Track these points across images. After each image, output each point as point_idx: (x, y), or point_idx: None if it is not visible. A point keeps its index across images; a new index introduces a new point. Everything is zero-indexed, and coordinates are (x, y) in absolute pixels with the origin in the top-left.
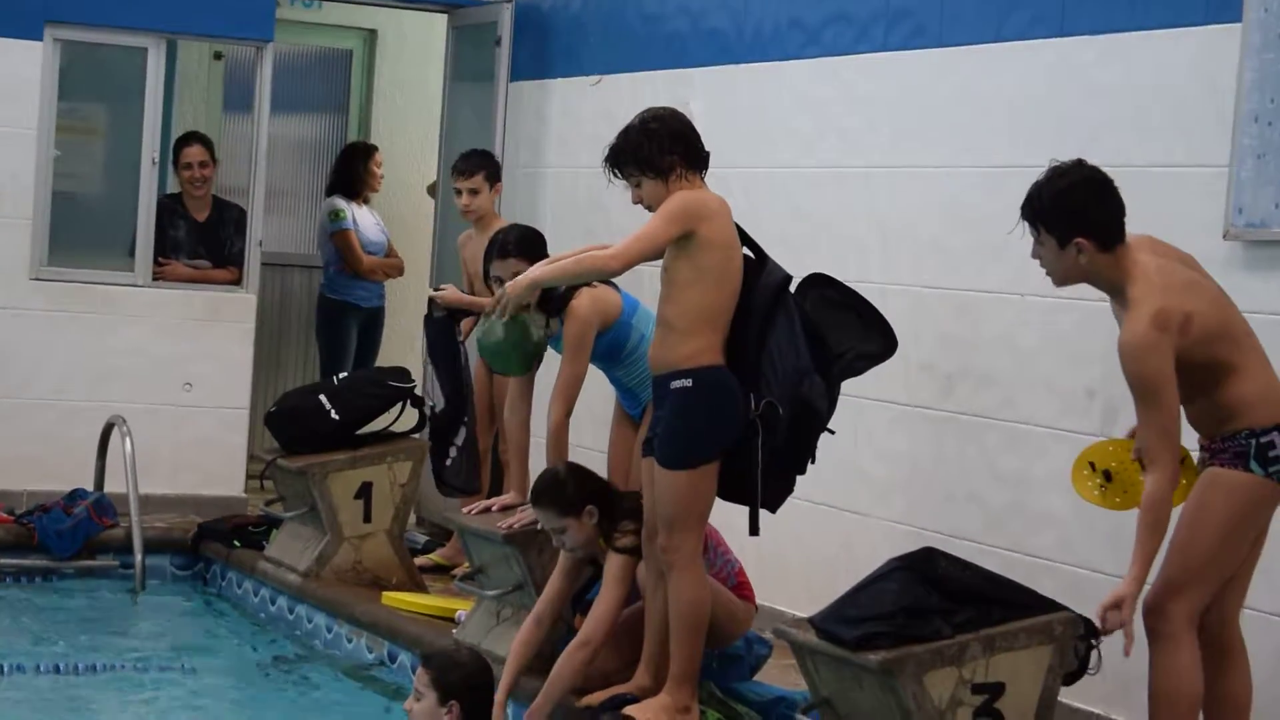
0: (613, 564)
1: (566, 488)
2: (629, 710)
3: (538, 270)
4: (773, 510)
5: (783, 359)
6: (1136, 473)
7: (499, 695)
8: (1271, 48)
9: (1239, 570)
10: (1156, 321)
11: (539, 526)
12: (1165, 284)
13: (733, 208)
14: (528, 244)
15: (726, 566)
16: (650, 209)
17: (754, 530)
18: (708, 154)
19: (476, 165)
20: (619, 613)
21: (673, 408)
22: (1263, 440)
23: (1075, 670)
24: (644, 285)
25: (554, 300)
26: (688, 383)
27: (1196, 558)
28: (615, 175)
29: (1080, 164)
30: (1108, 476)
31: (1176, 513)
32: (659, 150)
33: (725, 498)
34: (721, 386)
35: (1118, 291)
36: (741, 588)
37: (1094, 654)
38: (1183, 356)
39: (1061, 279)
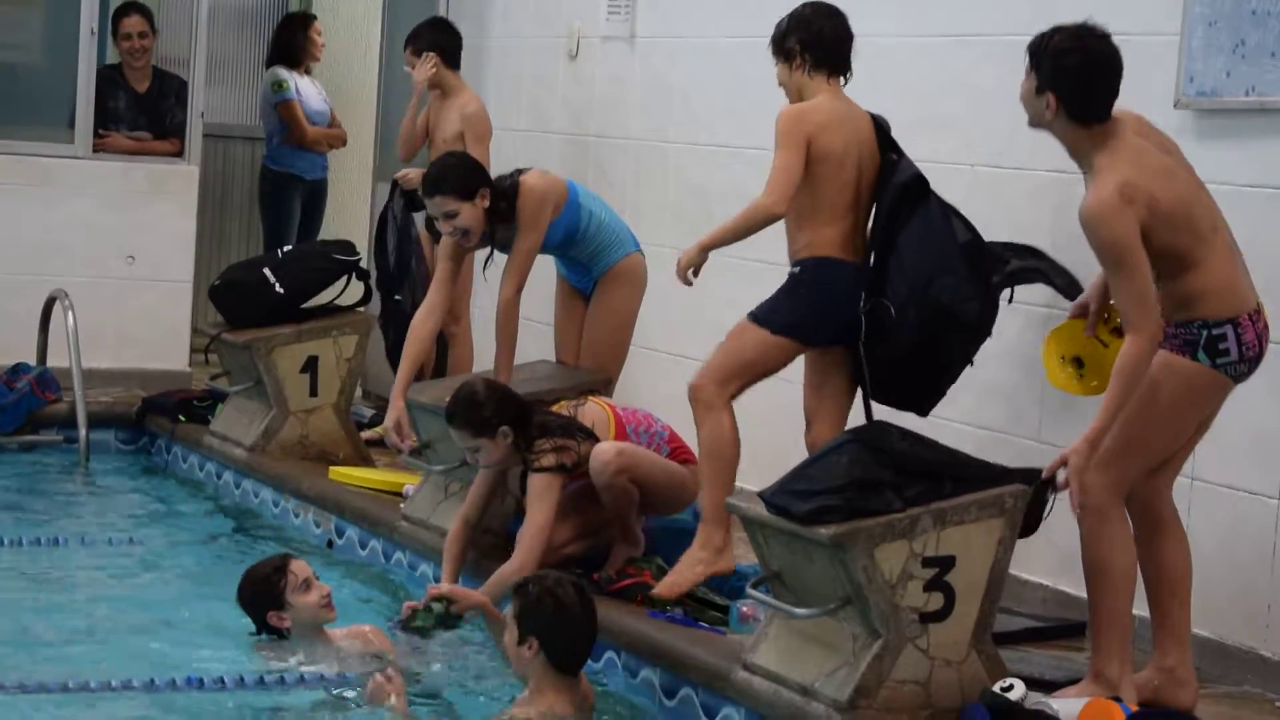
0: (534, 484)
1: (483, 409)
2: (661, 592)
3: (706, 236)
4: (921, 414)
5: (913, 259)
6: (1103, 352)
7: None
8: None
9: (1180, 449)
10: (1122, 192)
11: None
12: (1137, 162)
13: (679, 78)
14: (464, 177)
15: (656, 439)
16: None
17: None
18: (848, 65)
19: (427, 44)
20: (548, 531)
21: (784, 285)
22: (1214, 332)
23: (1029, 522)
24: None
25: (503, 206)
26: (796, 269)
27: (1133, 435)
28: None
29: (1099, 37)
30: (1079, 364)
31: None
32: (800, 40)
33: (875, 398)
34: (828, 277)
35: (1086, 162)
36: (677, 452)
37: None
38: (1146, 237)
39: (1031, 120)
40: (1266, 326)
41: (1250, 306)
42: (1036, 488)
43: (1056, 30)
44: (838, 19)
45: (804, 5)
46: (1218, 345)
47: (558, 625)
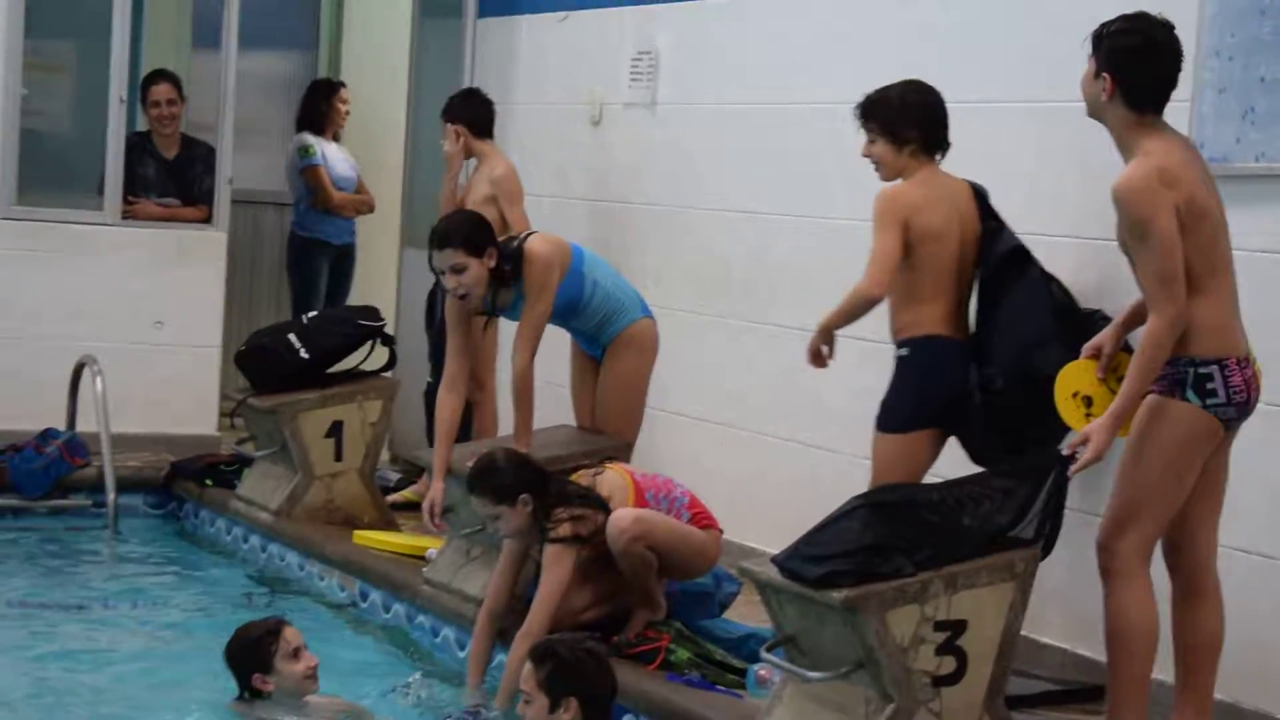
0: (549, 553)
1: (504, 476)
2: None
3: (824, 319)
4: None
5: (1013, 329)
6: (1110, 398)
7: (471, 688)
8: None
9: (1206, 510)
10: (1161, 175)
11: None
12: (1183, 161)
13: (700, 144)
14: (472, 233)
15: (675, 505)
16: (876, 167)
17: None
18: (948, 143)
19: (453, 116)
20: (559, 599)
21: (894, 374)
22: (1201, 371)
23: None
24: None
25: (507, 269)
26: (905, 352)
27: (1140, 490)
28: (860, 122)
29: (1161, 24)
30: (1088, 403)
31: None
32: (910, 122)
33: (975, 461)
34: (935, 356)
35: (1129, 149)
36: (698, 518)
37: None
38: None
39: (1089, 107)
40: (1256, 377)
41: (1240, 353)
42: (1056, 478)
43: (1119, 17)
44: (937, 96)
45: (908, 89)
46: (1204, 384)
47: (593, 680)
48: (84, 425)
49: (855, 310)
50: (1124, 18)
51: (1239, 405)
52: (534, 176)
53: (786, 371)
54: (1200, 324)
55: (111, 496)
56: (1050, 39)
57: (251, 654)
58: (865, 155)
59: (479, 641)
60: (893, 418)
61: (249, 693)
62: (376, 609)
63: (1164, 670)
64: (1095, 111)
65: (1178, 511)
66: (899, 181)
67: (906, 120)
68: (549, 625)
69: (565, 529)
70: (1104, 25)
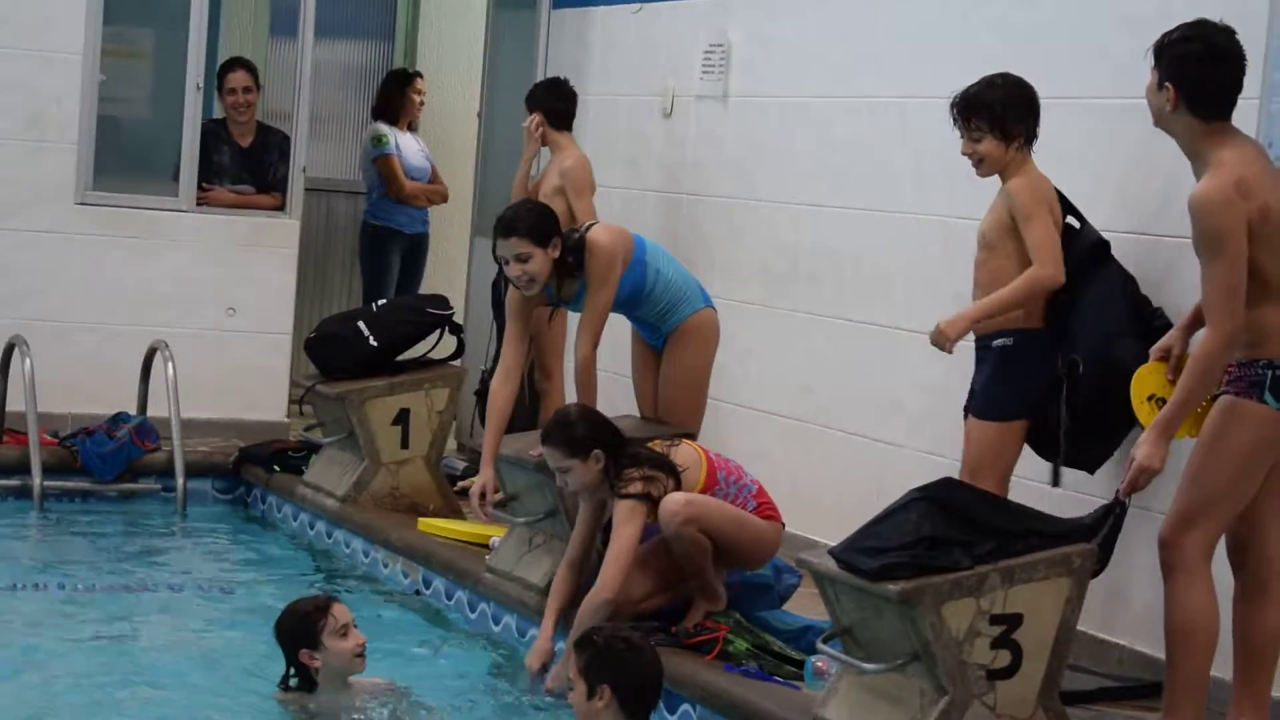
0: (620, 510)
1: (576, 429)
2: None
3: (974, 309)
4: (1090, 470)
5: (1095, 319)
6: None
7: (543, 639)
8: None
9: (1275, 509)
10: (1239, 186)
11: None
12: (1257, 167)
13: (770, 137)
14: (538, 223)
15: (744, 491)
16: (978, 164)
17: (1055, 483)
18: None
19: (534, 105)
20: (630, 556)
21: (994, 364)
22: (1279, 372)
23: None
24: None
25: (570, 260)
26: (1009, 341)
27: (1210, 490)
28: (962, 122)
29: (1222, 30)
30: (1162, 404)
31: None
32: (1018, 116)
33: (1038, 452)
34: (1039, 347)
35: (1200, 159)
36: (763, 508)
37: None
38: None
39: (1154, 118)
40: None
41: None
42: (1114, 516)
43: (1180, 25)
44: (1032, 89)
45: (1009, 84)
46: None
47: (628, 669)
48: (155, 410)
49: (1030, 298)
50: (1184, 26)
51: None
52: (605, 168)
53: (853, 365)
54: (1278, 327)
55: (180, 481)
56: (1119, 35)
57: (300, 629)
58: (968, 153)
59: (558, 590)
60: (998, 406)
61: (295, 669)
62: (440, 596)
63: (1221, 668)
64: (1161, 122)
65: (1246, 510)
66: (1027, 173)
67: (1014, 115)
68: (621, 582)
69: (636, 486)
70: (1164, 35)
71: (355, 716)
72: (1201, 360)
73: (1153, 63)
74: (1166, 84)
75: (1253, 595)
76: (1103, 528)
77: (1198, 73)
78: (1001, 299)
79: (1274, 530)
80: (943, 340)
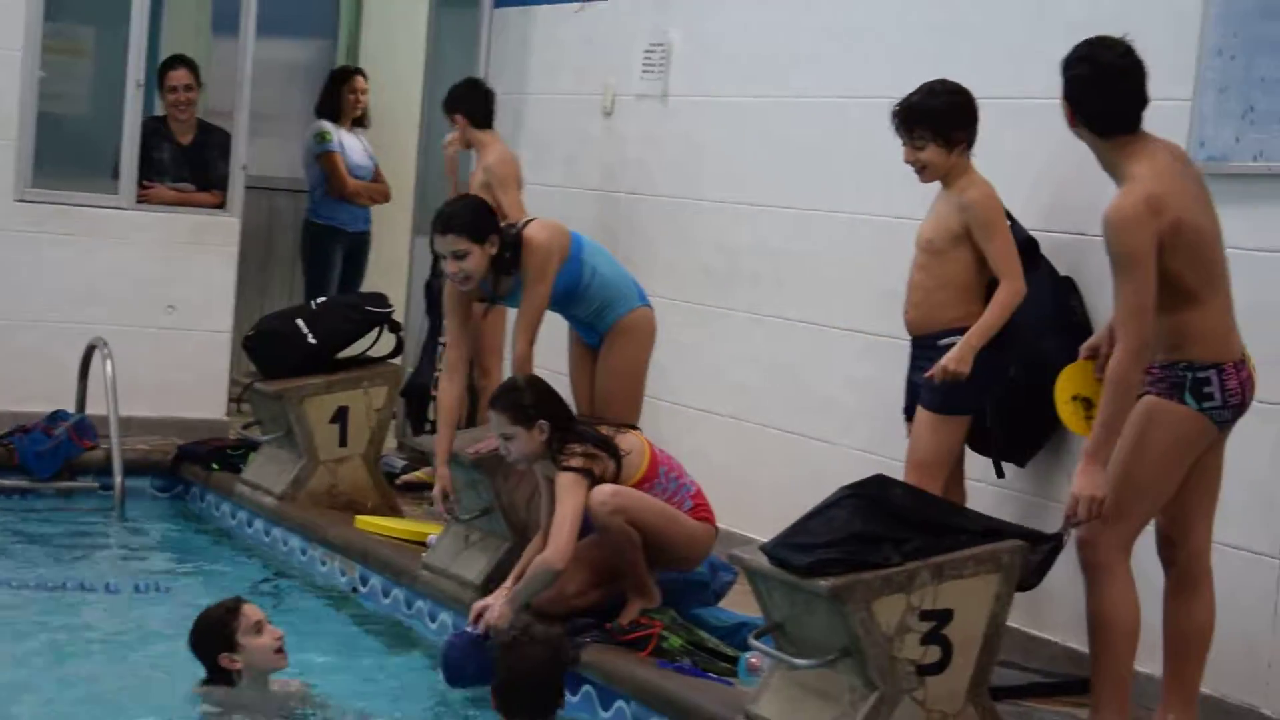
0: (561, 483)
1: (524, 397)
2: None
3: (973, 337)
4: (1020, 464)
5: (1024, 318)
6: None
7: (508, 607)
8: None
9: (1203, 506)
10: (1150, 203)
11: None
12: (1171, 181)
13: (710, 137)
14: (476, 219)
15: (682, 490)
16: (920, 171)
17: (999, 474)
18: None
19: (454, 106)
20: (576, 526)
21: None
22: (1199, 375)
23: (1034, 577)
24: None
25: (507, 256)
26: (958, 340)
27: (1130, 488)
28: (904, 131)
29: (1109, 47)
30: (1088, 405)
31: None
32: (959, 123)
33: (971, 446)
34: (988, 347)
35: (1113, 171)
36: (699, 509)
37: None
38: (1160, 259)
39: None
40: (1250, 378)
41: (1236, 356)
42: (1049, 548)
43: (1065, 62)
44: (970, 94)
45: (949, 91)
46: (1202, 389)
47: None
48: (93, 408)
49: (1002, 318)
50: (1078, 46)
51: (1234, 407)
52: (546, 166)
53: (790, 364)
54: (1198, 331)
55: (119, 479)
56: (1048, 35)
57: (215, 634)
58: (911, 161)
59: (527, 559)
60: (958, 401)
61: (216, 676)
62: (376, 594)
63: (1151, 663)
64: (1076, 134)
65: (1174, 507)
66: (971, 178)
67: (955, 123)
68: (569, 551)
69: (577, 460)
70: (1062, 72)
71: (278, 712)
72: (1115, 382)
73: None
74: (1065, 102)
75: (1182, 590)
76: (1047, 568)
77: (1089, 94)
78: (990, 324)
79: (1201, 527)
80: (958, 377)
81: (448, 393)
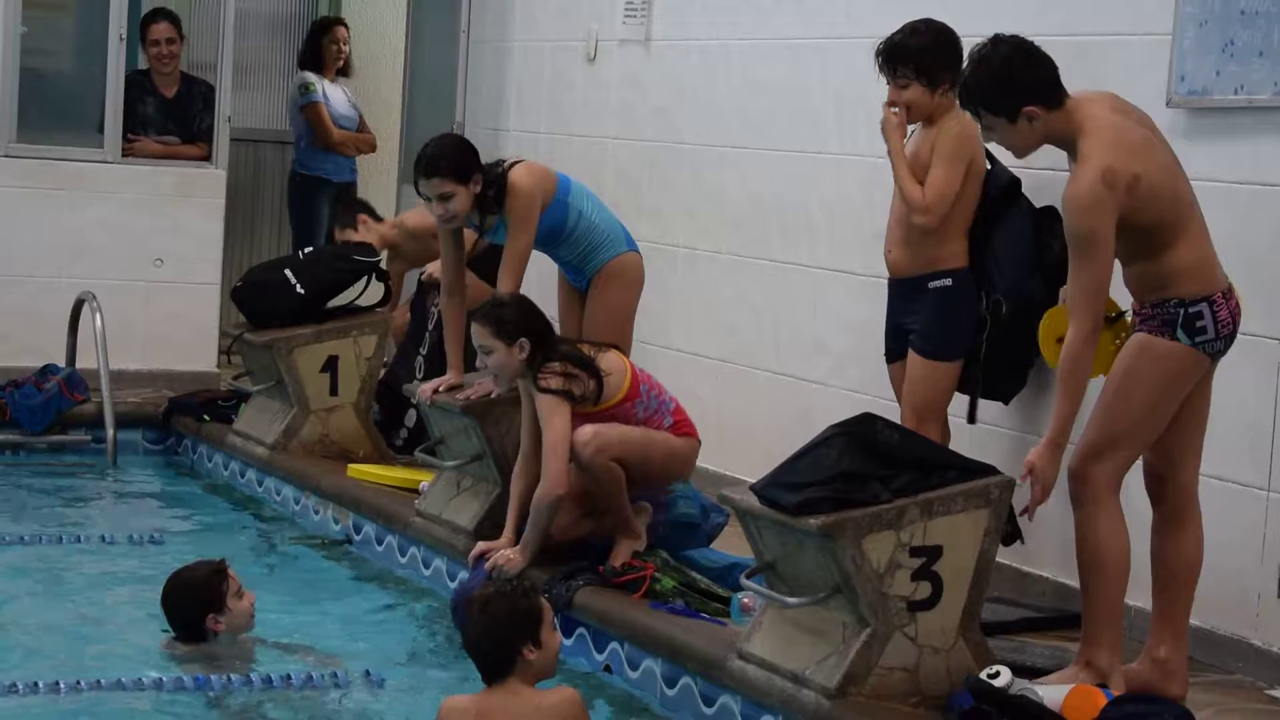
0: (542, 407)
1: (506, 311)
2: None
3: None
4: (1005, 401)
5: (1007, 258)
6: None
7: (509, 532)
8: None
9: (1192, 440)
10: (1105, 178)
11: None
12: (1118, 140)
13: (693, 81)
14: (459, 160)
15: (662, 408)
16: (906, 110)
17: (972, 419)
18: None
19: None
20: (566, 447)
21: (936, 305)
22: (1190, 310)
23: (1008, 534)
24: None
25: (490, 194)
26: (948, 282)
27: (1120, 422)
28: (887, 70)
29: (996, 41)
30: None
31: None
32: (943, 63)
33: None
34: (970, 288)
35: (1070, 146)
36: (680, 425)
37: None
38: (1127, 218)
39: (1022, 150)
40: (1238, 306)
41: (1223, 286)
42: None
43: (967, 77)
44: (954, 33)
45: (933, 30)
46: (1195, 323)
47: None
48: (84, 362)
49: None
50: (978, 66)
51: (1225, 337)
52: (530, 112)
53: (778, 306)
54: (1184, 266)
55: (111, 432)
56: None
57: (205, 596)
58: (894, 101)
59: (515, 489)
60: (950, 347)
61: (194, 635)
62: (370, 541)
63: (1140, 597)
64: (1032, 146)
65: (1164, 443)
66: (954, 117)
67: (940, 62)
68: (565, 475)
69: (556, 382)
70: (972, 89)
71: (249, 658)
72: (1069, 362)
73: (979, 113)
74: (1024, 110)
75: (1170, 525)
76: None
77: (1033, 78)
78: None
79: (1190, 461)
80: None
81: (451, 310)
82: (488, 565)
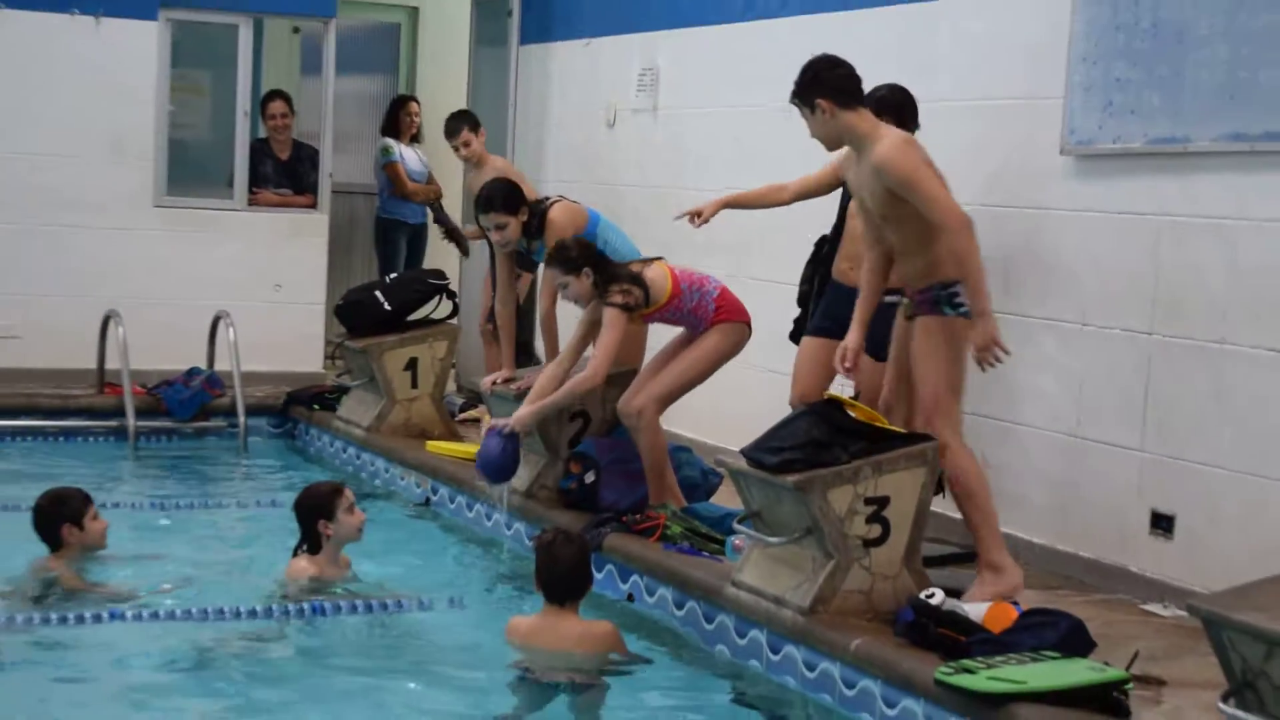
0: (606, 317)
1: (570, 252)
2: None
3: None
4: None
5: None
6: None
7: (530, 412)
8: (1093, 4)
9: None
10: (906, 140)
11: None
12: (910, 141)
13: (692, 141)
14: (508, 198)
15: (705, 297)
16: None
17: None
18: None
19: (458, 124)
20: (614, 353)
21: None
22: (949, 290)
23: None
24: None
25: (532, 223)
26: (950, 291)
27: (944, 383)
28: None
29: (820, 57)
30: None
31: None
32: (820, 93)
33: None
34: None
35: (863, 141)
36: (721, 310)
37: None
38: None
39: (825, 141)
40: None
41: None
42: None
43: (805, 67)
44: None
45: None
46: (953, 299)
47: (542, 567)
48: (220, 365)
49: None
50: (805, 68)
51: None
52: (564, 166)
53: (760, 313)
54: (941, 256)
55: (242, 420)
56: (958, 50)
57: (322, 504)
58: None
59: (542, 383)
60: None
61: (309, 539)
62: (445, 500)
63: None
64: (832, 138)
65: (893, 383)
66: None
67: (818, 93)
68: (605, 373)
69: (617, 298)
70: (793, 89)
71: (350, 585)
72: (970, 256)
73: (799, 107)
74: (818, 101)
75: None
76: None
77: (830, 78)
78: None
79: (899, 408)
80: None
81: (504, 315)
82: (504, 429)
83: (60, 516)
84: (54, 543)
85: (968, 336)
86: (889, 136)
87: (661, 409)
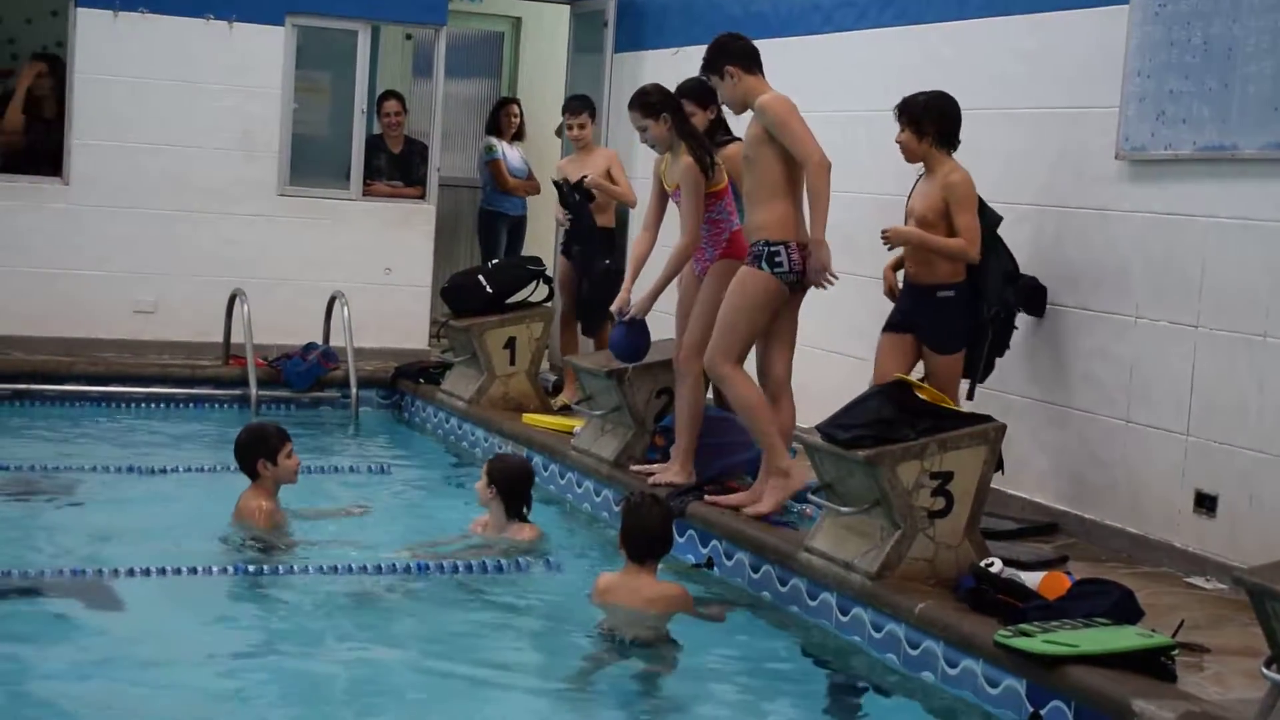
0: (684, 176)
1: (650, 96)
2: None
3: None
4: (982, 381)
5: (994, 276)
6: None
7: (644, 297)
8: (1149, 22)
9: (782, 347)
10: (786, 98)
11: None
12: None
13: None
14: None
15: (728, 225)
16: (902, 149)
17: (971, 396)
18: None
19: (581, 105)
20: (700, 211)
21: (939, 312)
22: (771, 249)
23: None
24: None
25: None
26: (951, 294)
27: (731, 329)
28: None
29: (719, 34)
30: None
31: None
32: (929, 117)
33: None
34: (973, 296)
35: (752, 99)
36: (730, 247)
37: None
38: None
39: (734, 104)
40: (807, 260)
41: (801, 239)
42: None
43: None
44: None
45: (933, 92)
46: (774, 259)
47: (636, 520)
48: (335, 340)
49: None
50: (714, 43)
51: (797, 274)
52: (653, 165)
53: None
54: (773, 218)
55: (354, 391)
56: (1019, 63)
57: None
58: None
59: (637, 252)
60: (958, 342)
61: (251, 474)
62: (539, 467)
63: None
64: (736, 102)
65: (764, 344)
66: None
67: (928, 116)
68: (698, 234)
69: (695, 151)
70: (708, 55)
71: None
72: (821, 192)
73: (711, 73)
74: (726, 68)
75: (772, 402)
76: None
77: (734, 46)
78: (939, 244)
79: (779, 360)
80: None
81: (641, 242)
82: (629, 315)
83: (257, 452)
84: (251, 474)
85: (771, 293)
86: (776, 92)
87: (726, 360)
